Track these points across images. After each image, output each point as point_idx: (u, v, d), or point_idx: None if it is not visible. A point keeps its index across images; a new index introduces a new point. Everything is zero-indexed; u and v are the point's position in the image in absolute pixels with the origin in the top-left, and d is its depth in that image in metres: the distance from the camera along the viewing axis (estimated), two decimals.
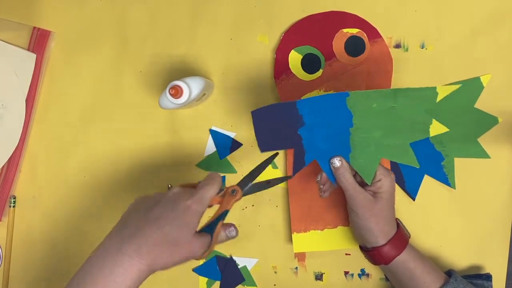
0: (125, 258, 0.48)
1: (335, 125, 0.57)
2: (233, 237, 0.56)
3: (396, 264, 0.60)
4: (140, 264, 0.48)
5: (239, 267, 0.70)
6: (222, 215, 0.55)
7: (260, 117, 0.58)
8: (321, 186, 0.63)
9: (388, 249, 0.59)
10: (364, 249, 0.63)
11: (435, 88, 0.53)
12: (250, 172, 0.59)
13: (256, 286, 0.70)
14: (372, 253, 0.60)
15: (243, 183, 0.58)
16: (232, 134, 0.70)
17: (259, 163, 0.59)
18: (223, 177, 0.68)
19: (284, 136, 0.58)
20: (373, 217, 0.59)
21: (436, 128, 0.56)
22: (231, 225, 0.57)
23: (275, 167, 0.69)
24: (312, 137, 0.58)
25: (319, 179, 0.62)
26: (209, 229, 0.54)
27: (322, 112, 0.56)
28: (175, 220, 0.50)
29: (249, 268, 0.69)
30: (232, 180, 0.68)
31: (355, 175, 0.61)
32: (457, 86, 0.55)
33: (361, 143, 0.58)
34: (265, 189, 0.59)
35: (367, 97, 0.54)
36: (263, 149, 0.60)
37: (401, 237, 0.61)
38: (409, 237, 0.63)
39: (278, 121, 0.57)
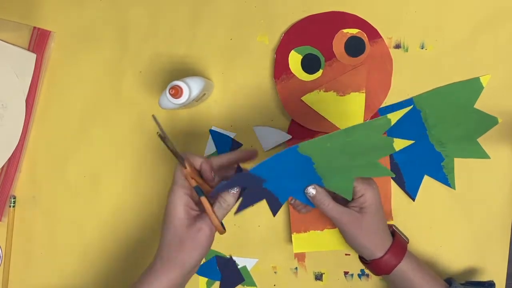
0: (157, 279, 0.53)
1: (297, 169, 0.55)
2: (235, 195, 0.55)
3: (396, 274, 0.59)
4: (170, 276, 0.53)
5: (239, 267, 0.70)
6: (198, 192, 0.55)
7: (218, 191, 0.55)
8: (297, 207, 0.61)
9: (386, 260, 0.59)
10: (363, 260, 0.62)
11: (386, 117, 0.50)
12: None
13: (256, 286, 0.70)
14: (371, 266, 0.60)
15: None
16: (232, 134, 0.70)
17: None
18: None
19: (251, 194, 0.56)
20: (364, 233, 0.58)
21: (400, 143, 0.54)
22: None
23: None
24: (278, 185, 0.56)
25: (293, 202, 0.61)
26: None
27: (279, 166, 0.53)
28: (167, 231, 0.53)
29: (249, 268, 0.69)
30: None
31: (336, 195, 0.59)
32: (406, 109, 0.51)
33: (329, 172, 0.57)
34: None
35: (317, 143, 0.51)
36: (239, 209, 0.56)
37: (398, 246, 0.60)
38: (408, 242, 0.63)
39: (242, 185, 0.55)
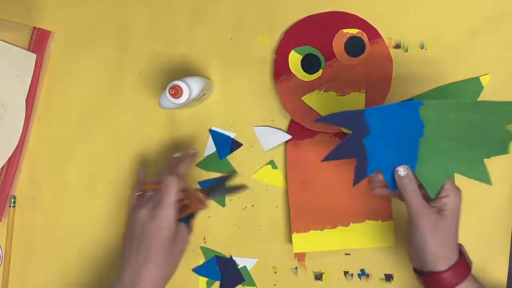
0: None
1: (404, 135, 0.52)
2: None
3: None
4: None
5: (239, 267, 0.70)
6: (190, 215, 0.62)
7: (327, 122, 0.54)
8: (374, 184, 0.59)
9: (448, 276, 0.53)
10: (418, 271, 0.57)
11: None
12: (214, 182, 0.65)
13: (256, 286, 0.70)
14: (428, 278, 0.54)
15: (206, 190, 0.63)
16: (232, 134, 0.70)
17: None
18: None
19: (348, 144, 0.54)
20: (436, 238, 0.53)
21: None
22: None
23: (274, 167, 0.69)
24: (377, 146, 0.53)
25: (375, 175, 0.58)
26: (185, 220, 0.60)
27: (390, 121, 0.51)
28: (163, 255, 0.56)
29: (249, 268, 0.69)
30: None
31: (419, 187, 0.56)
32: None
33: (430, 154, 0.53)
34: (224, 195, 0.67)
35: (442, 107, 0.50)
36: (328, 158, 0.55)
37: (464, 265, 0.55)
38: (471, 264, 0.57)
39: (344, 127, 0.54)
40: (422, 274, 0.56)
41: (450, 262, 0.54)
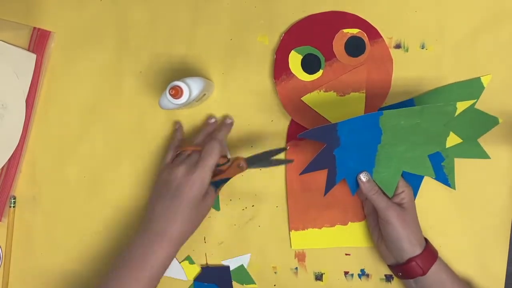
0: (158, 250, 0.58)
1: (366, 143, 0.60)
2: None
3: (431, 274, 0.60)
4: (169, 251, 0.59)
5: (236, 266, 0.69)
6: (224, 180, 0.64)
7: (307, 137, 0.60)
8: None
9: (424, 257, 0.60)
10: (396, 266, 0.63)
11: (455, 103, 0.58)
12: (260, 154, 0.64)
13: (255, 284, 0.70)
14: (409, 265, 0.60)
15: (250, 160, 0.64)
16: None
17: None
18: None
19: (321, 157, 0.60)
20: (407, 226, 0.60)
21: (452, 140, 0.62)
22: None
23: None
24: (344, 157, 0.61)
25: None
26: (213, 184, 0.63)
27: (357, 132, 0.59)
28: (191, 211, 0.59)
29: (245, 265, 0.69)
30: None
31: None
32: (472, 101, 0.63)
33: (385, 158, 0.62)
34: (267, 166, 0.65)
35: (397, 115, 0.58)
36: (304, 171, 0.62)
37: (432, 247, 0.63)
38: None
39: (319, 141, 0.60)
40: (400, 265, 0.62)
41: (423, 246, 0.61)
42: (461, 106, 0.58)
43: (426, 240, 0.63)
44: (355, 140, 0.60)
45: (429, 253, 0.61)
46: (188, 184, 0.59)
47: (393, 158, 0.62)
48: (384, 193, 0.63)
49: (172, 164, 0.63)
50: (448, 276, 0.61)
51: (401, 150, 0.61)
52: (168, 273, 0.66)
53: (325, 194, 0.63)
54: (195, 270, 0.70)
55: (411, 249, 0.60)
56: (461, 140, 0.62)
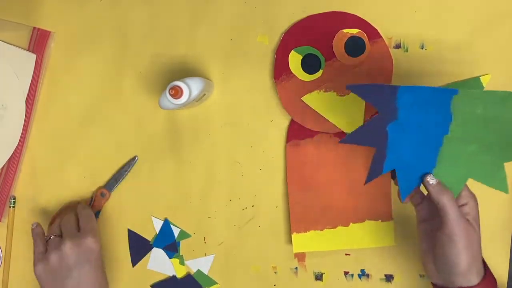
0: None
1: (429, 129, 0.50)
2: None
3: None
4: None
5: (195, 271, 0.70)
6: (95, 215, 0.68)
7: (358, 93, 0.51)
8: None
9: None
10: (440, 286, 0.53)
11: None
12: (115, 174, 0.70)
13: (217, 284, 0.70)
14: None
15: (108, 185, 0.70)
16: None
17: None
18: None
19: (370, 128, 0.51)
20: (471, 248, 0.50)
21: None
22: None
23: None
24: (399, 138, 0.51)
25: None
26: None
27: (420, 109, 0.49)
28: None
29: (206, 270, 0.70)
30: None
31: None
32: None
33: (450, 158, 0.51)
34: (124, 176, 0.69)
35: (475, 98, 0.48)
36: (344, 140, 0.53)
37: (491, 276, 0.52)
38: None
39: (373, 104, 0.51)
40: None
41: (481, 275, 0.51)
42: None
43: (485, 267, 0.53)
44: (417, 119, 0.49)
45: (487, 284, 0.51)
46: (85, 249, 0.59)
47: (461, 160, 0.50)
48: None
49: (52, 248, 0.60)
50: None
51: (470, 151, 0.50)
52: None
53: (366, 183, 0.53)
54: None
55: (467, 277, 0.50)
56: None
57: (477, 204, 0.53)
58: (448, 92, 0.47)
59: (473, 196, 0.53)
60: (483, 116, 0.48)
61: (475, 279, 0.50)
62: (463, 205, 0.52)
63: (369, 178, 0.54)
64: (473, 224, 0.51)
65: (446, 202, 0.50)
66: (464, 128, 0.49)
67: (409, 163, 0.52)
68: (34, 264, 0.60)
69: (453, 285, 0.51)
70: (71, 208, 0.68)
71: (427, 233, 0.55)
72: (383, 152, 0.52)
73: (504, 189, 0.51)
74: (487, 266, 0.54)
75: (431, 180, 0.51)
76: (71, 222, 0.63)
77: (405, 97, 0.49)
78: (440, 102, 0.48)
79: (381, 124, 0.51)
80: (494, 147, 0.49)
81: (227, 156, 0.70)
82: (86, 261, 0.59)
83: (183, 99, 0.58)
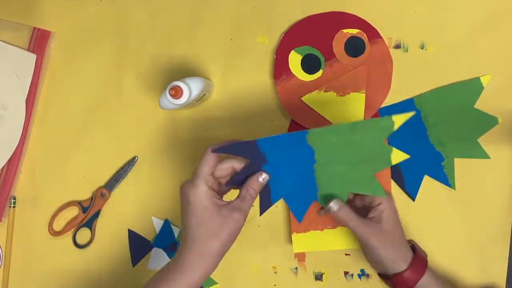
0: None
1: (298, 162, 0.56)
2: None
3: (420, 287, 0.58)
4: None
5: None
6: (95, 215, 0.69)
7: (224, 152, 0.55)
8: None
9: (409, 274, 0.58)
10: (384, 276, 0.61)
11: (390, 117, 0.52)
12: (113, 176, 0.70)
13: (217, 284, 0.70)
14: (394, 280, 0.58)
15: (108, 185, 0.70)
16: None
17: None
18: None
19: (248, 173, 0.56)
20: (388, 243, 0.58)
21: (397, 156, 0.55)
22: None
23: None
24: (276, 174, 0.56)
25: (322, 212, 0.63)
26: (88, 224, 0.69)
27: (284, 150, 0.54)
28: (192, 222, 0.53)
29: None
30: None
31: (354, 199, 0.61)
32: (411, 114, 0.51)
33: (326, 179, 0.57)
34: (124, 176, 0.70)
35: (325, 133, 0.53)
36: (231, 184, 0.57)
37: (420, 260, 0.59)
38: (426, 257, 0.62)
39: (242, 157, 0.55)
40: (387, 277, 0.60)
41: (408, 260, 0.58)
42: (398, 120, 0.52)
43: (414, 250, 0.60)
44: (285, 159, 0.55)
45: (417, 266, 0.58)
46: (181, 194, 0.55)
47: (336, 180, 0.57)
48: (359, 204, 0.60)
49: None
50: (438, 286, 0.59)
51: (341, 171, 0.56)
52: None
53: (260, 215, 0.59)
54: None
55: (396, 266, 0.58)
56: (407, 156, 0.55)
57: (391, 201, 0.59)
58: (300, 134, 0.53)
59: (387, 197, 0.58)
60: (339, 143, 0.54)
61: (403, 266, 0.58)
62: (377, 205, 0.58)
63: (261, 211, 0.59)
64: (388, 221, 0.58)
65: (347, 220, 0.57)
66: (328, 155, 0.55)
67: (293, 192, 0.58)
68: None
69: (388, 273, 0.59)
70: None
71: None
72: (267, 188, 0.57)
73: (382, 193, 0.57)
74: (418, 250, 0.60)
75: (332, 207, 0.57)
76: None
77: (265, 145, 0.54)
78: (297, 141, 0.54)
79: (256, 167, 0.56)
80: (359, 164, 0.55)
81: None
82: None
83: (183, 99, 0.58)
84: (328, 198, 0.58)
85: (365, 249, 0.59)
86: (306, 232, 0.68)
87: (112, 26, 0.71)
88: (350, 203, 0.61)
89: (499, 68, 0.67)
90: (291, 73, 0.68)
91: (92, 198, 0.70)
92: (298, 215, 0.59)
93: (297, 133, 0.53)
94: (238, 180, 0.56)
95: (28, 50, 0.71)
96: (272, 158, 0.55)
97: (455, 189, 0.67)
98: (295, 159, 0.55)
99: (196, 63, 0.70)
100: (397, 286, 0.59)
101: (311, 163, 0.55)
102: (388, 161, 0.55)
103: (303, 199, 0.59)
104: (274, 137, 0.54)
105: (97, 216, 0.70)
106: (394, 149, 0.55)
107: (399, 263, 0.58)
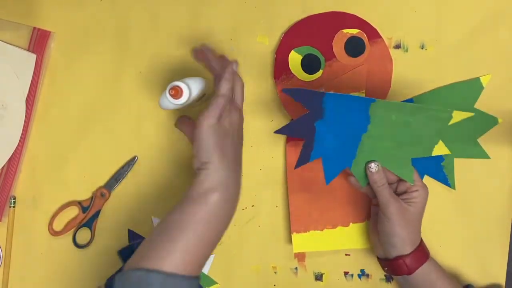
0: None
1: (350, 127, 0.59)
2: None
3: (418, 275, 0.60)
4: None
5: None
6: (95, 215, 0.69)
7: (292, 96, 0.59)
8: (350, 177, 0.64)
9: (413, 257, 0.59)
10: (384, 260, 0.63)
11: (451, 111, 0.56)
12: (113, 176, 0.70)
13: (217, 284, 0.69)
14: (395, 262, 0.60)
15: (108, 184, 0.70)
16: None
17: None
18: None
19: (301, 123, 0.59)
20: (404, 224, 0.59)
21: (439, 150, 0.59)
22: None
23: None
24: (325, 133, 0.59)
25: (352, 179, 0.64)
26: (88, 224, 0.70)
27: (343, 111, 0.57)
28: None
29: (206, 271, 0.69)
30: None
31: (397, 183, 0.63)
32: (471, 114, 0.57)
33: (367, 151, 0.60)
34: (124, 176, 0.70)
35: (389, 107, 0.57)
36: (279, 131, 0.61)
37: (424, 248, 0.62)
38: (429, 253, 0.63)
39: (303, 105, 0.58)
40: (388, 260, 0.61)
41: (414, 246, 0.60)
42: (457, 116, 0.56)
43: (421, 241, 0.62)
44: (340, 119, 0.58)
45: (419, 254, 0.60)
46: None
47: (376, 153, 0.60)
48: (389, 187, 0.61)
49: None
50: (439, 277, 0.61)
51: (386, 146, 0.60)
52: None
53: (295, 168, 0.61)
54: None
55: (402, 248, 0.60)
56: (450, 152, 0.60)
57: (426, 192, 0.61)
58: (367, 100, 0.56)
59: (424, 186, 0.61)
60: (396, 121, 0.57)
61: (409, 249, 0.60)
62: (413, 191, 0.61)
63: (298, 164, 0.61)
64: (415, 207, 0.60)
65: (380, 186, 0.60)
66: (380, 129, 0.58)
67: (333, 154, 0.61)
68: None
69: (391, 255, 0.61)
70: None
71: (374, 214, 0.64)
72: (311, 144, 0.60)
73: (410, 180, 0.60)
74: (423, 243, 0.62)
75: (372, 168, 0.60)
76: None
77: (330, 101, 0.57)
78: (360, 107, 0.57)
79: (310, 121, 0.59)
80: (404, 145, 0.59)
81: None
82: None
83: (183, 99, 0.58)
84: (360, 168, 0.61)
85: (382, 222, 0.60)
86: (306, 232, 0.68)
87: (112, 26, 0.71)
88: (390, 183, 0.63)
89: (498, 68, 0.68)
90: (291, 73, 0.68)
91: (92, 198, 0.70)
92: (328, 177, 0.61)
93: (365, 98, 0.57)
94: (293, 129, 0.60)
95: (28, 50, 0.71)
96: (329, 115, 0.58)
97: (455, 189, 0.67)
98: (349, 123, 0.58)
99: (196, 63, 0.70)
100: (397, 270, 0.60)
101: (362, 131, 0.59)
102: (429, 151, 0.59)
103: (339, 163, 0.61)
104: (342, 95, 0.57)
105: (97, 216, 0.70)
106: (440, 142, 0.59)
107: (407, 245, 0.59)
